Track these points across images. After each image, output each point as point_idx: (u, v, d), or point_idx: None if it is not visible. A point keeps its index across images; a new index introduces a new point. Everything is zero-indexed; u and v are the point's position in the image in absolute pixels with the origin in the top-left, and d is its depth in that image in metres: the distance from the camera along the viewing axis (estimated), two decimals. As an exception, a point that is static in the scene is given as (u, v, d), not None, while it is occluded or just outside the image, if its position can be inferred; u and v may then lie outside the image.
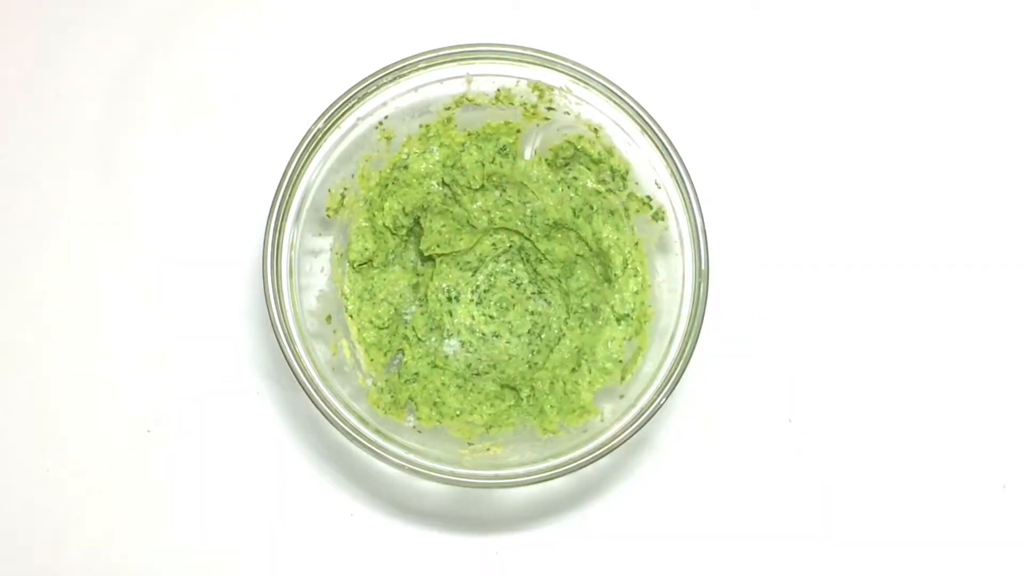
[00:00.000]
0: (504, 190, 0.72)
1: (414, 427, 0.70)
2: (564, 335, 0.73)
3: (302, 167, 0.66)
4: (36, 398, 0.75)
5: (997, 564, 0.74)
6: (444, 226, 0.72)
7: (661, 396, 0.65)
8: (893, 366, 0.76)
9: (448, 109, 0.70)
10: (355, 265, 0.71)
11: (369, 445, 0.64)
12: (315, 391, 0.64)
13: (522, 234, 0.73)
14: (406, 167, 0.71)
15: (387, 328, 0.72)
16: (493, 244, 0.74)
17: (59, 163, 0.77)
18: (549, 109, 0.70)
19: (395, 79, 0.67)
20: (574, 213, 0.72)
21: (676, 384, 0.65)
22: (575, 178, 0.72)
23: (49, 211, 0.77)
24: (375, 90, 0.67)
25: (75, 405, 0.75)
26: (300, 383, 0.64)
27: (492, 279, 0.74)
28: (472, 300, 0.73)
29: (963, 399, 0.76)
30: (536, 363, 0.73)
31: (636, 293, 0.70)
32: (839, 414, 0.75)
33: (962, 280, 0.77)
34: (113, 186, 0.77)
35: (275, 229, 0.65)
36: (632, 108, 0.67)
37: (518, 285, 0.74)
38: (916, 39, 0.79)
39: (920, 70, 0.79)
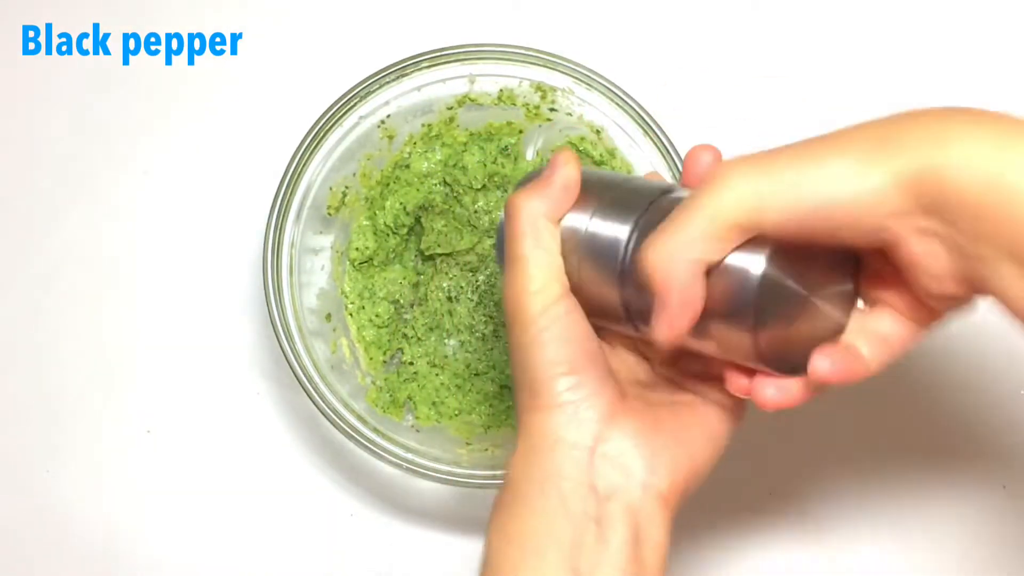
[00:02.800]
0: (506, 191, 0.73)
1: (412, 426, 0.70)
2: (564, 336, 0.73)
3: (304, 165, 0.66)
4: (36, 398, 0.75)
5: (997, 564, 0.74)
6: (445, 226, 0.72)
7: (661, 396, 0.64)
8: (893, 366, 0.76)
9: (451, 109, 0.70)
10: (355, 263, 0.72)
11: (367, 444, 0.64)
12: (314, 389, 0.65)
13: (523, 235, 0.73)
14: (408, 166, 0.72)
15: (387, 327, 0.72)
16: (494, 244, 0.74)
17: (59, 163, 0.78)
18: (551, 110, 0.70)
19: (398, 78, 0.67)
20: (575, 214, 0.72)
21: (676, 384, 0.64)
22: (577, 179, 0.72)
23: (49, 211, 0.77)
24: (378, 89, 0.67)
25: (75, 405, 0.75)
26: (299, 381, 0.65)
27: (492, 279, 0.73)
28: (472, 300, 0.73)
29: (963, 398, 0.75)
30: (536, 364, 0.72)
31: (637, 294, 0.70)
32: (838, 414, 0.75)
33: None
34: (113, 185, 0.77)
35: (276, 227, 0.65)
36: (634, 110, 0.67)
37: (519, 285, 0.74)
38: (917, 39, 0.79)
39: (921, 70, 0.79)
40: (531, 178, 0.53)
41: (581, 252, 0.51)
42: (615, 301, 0.50)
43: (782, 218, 0.42)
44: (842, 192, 0.41)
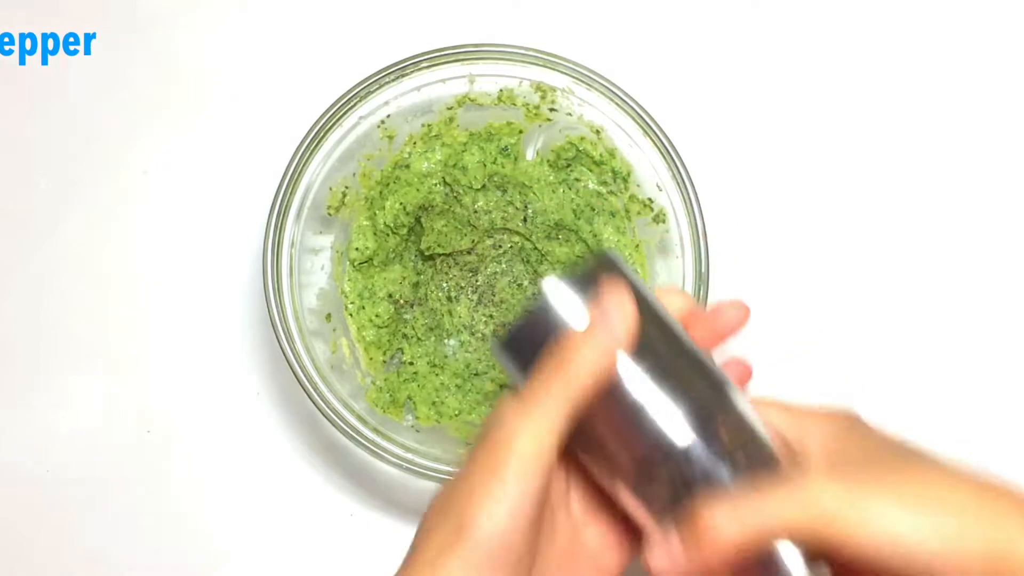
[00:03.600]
0: (505, 191, 0.73)
1: (412, 426, 0.70)
2: (564, 336, 0.73)
3: (304, 165, 0.66)
4: (36, 398, 0.75)
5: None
6: (445, 226, 0.72)
7: (661, 397, 0.64)
8: (894, 366, 0.76)
9: (450, 109, 0.70)
10: (355, 263, 0.71)
11: (367, 444, 0.64)
12: (314, 389, 0.65)
13: (523, 235, 0.73)
14: (408, 166, 0.72)
15: (386, 327, 0.72)
16: (494, 244, 0.74)
17: (59, 163, 0.78)
18: (551, 110, 0.70)
19: (398, 78, 0.67)
20: (575, 214, 0.72)
21: (676, 385, 0.64)
22: (577, 179, 0.72)
23: (49, 210, 0.77)
24: (377, 89, 0.67)
25: (75, 405, 0.75)
26: (299, 381, 0.64)
27: (492, 279, 0.74)
28: (472, 300, 0.73)
29: (963, 398, 0.75)
30: (536, 364, 0.72)
31: (636, 295, 0.70)
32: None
33: (963, 281, 0.76)
34: (113, 185, 0.77)
35: (276, 227, 0.65)
36: (634, 110, 0.67)
37: (518, 285, 0.74)
38: (917, 39, 0.79)
39: (921, 70, 0.79)
40: (536, 324, 0.43)
41: (610, 400, 0.44)
42: (625, 467, 0.45)
43: (846, 551, 0.40)
44: (930, 549, 0.39)
